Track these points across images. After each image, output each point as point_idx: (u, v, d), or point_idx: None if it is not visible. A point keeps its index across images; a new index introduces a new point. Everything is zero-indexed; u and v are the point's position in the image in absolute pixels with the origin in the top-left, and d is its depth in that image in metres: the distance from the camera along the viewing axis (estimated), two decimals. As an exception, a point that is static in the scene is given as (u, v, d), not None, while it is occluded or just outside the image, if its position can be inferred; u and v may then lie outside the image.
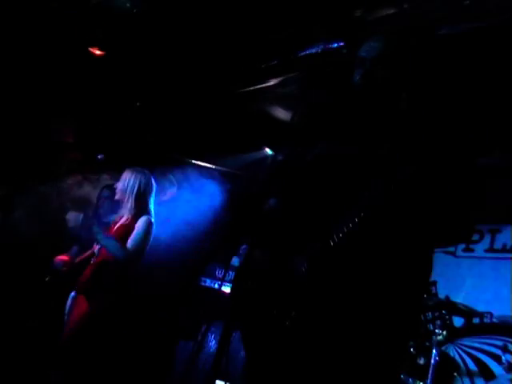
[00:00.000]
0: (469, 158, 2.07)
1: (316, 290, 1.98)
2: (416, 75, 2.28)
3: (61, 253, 4.70)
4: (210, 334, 5.60)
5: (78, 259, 4.60)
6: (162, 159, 6.07)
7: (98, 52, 5.14)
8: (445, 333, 4.13)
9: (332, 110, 2.01)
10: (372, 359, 1.90)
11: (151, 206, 4.43)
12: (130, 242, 4.14)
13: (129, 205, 4.35)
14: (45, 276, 4.75)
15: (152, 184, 4.51)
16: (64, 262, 4.63)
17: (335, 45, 4.54)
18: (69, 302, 4.15)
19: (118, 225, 4.35)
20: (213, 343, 5.62)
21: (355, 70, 2.24)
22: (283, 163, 1.86)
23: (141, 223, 4.26)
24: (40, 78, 5.18)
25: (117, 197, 4.38)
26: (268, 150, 6.70)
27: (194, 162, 6.67)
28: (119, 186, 4.37)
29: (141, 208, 4.36)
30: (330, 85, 2.10)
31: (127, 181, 4.37)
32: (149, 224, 4.28)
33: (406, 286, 2.00)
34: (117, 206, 4.55)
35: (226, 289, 6.14)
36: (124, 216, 4.37)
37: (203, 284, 6.07)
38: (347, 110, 2.21)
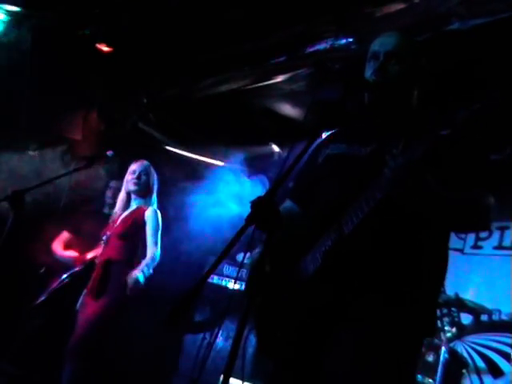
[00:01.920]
0: (482, 153, 2.06)
1: (327, 285, 1.96)
2: (428, 71, 2.26)
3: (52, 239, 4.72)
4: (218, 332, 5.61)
5: (89, 254, 4.61)
6: (169, 156, 6.08)
7: (105, 48, 5.13)
8: (454, 330, 4.12)
9: (343, 107, 1.99)
10: (387, 357, 1.89)
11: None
12: (152, 239, 4.23)
13: (149, 197, 4.43)
14: (40, 268, 4.74)
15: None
16: (76, 258, 4.64)
17: (344, 41, 4.51)
18: (80, 301, 4.17)
19: (123, 216, 4.39)
20: (220, 340, 5.62)
21: (367, 64, 2.23)
22: (295, 161, 1.85)
23: (153, 216, 4.34)
24: (47, 75, 5.17)
25: (136, 188, 4.41)
26: (275, 147, 6.69)
27: (201, 158, 6.68)
28: (142, 180, 4.42)
29: (153, 200, 4.46)
30: (340, 81, 2.07)
31: (150, 174, 4.48)
32: (159, 216, 4.37)
33: (422, 280, 1.99)
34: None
35: (232, 285, 6.15)
36: (132, 207, 4.44)
37: (210, 281, 6.07)
38: (359, 107, 2.20)
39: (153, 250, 4.18)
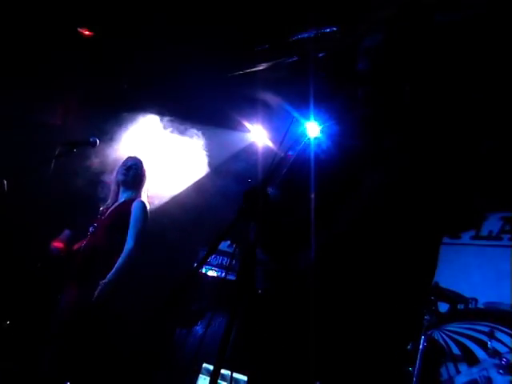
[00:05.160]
0: (472, 146, 2.08)
1: (321, 279, 1.97)
2: (418, 64, 2.27)
3: (53, 238, 4.70)
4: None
5: (75, 246, 4.57)
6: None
7: (86, 32, 5.06)
8: (433, 318, 4.17)
9: (337, 100, 2.00)
10: (376, 350, 1.91)
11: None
12: (132, 232, 4.21)
13: (137, 190, 4.49)
14: (36, 262, 4.73)
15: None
16: (60, 249, 4.60)
17: (328, 29, 4.51)
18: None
19: (111, 208, 4.38)
20: (199, 327, 5.64)
21: (359, 59, 2.23)
22: (287, 157, 1.85)
23: (138, 207, 4.34)
24: (29, 59, 5.09)
25: (124, 179, 4.47)
26: (256, 135, 6.68)
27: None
28: (131, 172, 4.49)
29: (141, 194, 4.50)
30: (329, 73, 2.08)
31: (140, 168, 4.56)
32: (146, 208, 4.39)
33: (412, 278, 2.01)
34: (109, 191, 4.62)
35: (212, 273, 6.17)
36: (120, 199, 4.46)
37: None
38: (352, 100, 2.20)
39: (128, 246, 4.13)
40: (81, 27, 5.01)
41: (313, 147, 2.29)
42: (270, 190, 2.36)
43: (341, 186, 1.99)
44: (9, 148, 4.85)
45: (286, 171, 2.35)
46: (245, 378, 4.17)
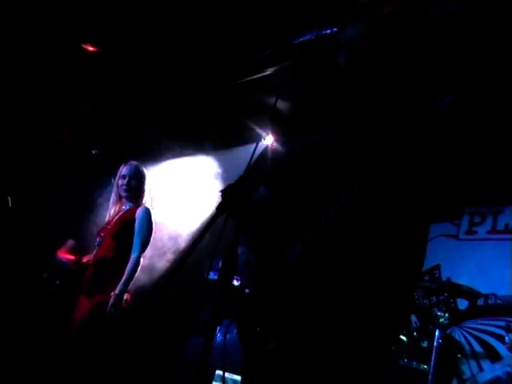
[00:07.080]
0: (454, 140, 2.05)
1: (307, 275, 1.96)
2: (395, 59, 2.24)
3: (57, 248, 4.73)
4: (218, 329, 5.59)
5: (85, 258, 4.57)
6: (158, 153, 6.07)
7: (91, 48, 5.10)
8: (447, 315, 4.12)
9: (319, 97, 2.00)
10: (363, 346, 1.89)
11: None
12: (137, 240, 4.20)
13: (141, 198, 4.44)
14: (53, 279, 4.75)
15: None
16: (72, 261, 4.62)
17: (329, 31, 4.50)
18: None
19: (116, 217, 4.40)
20: (218, 335, 5.61)
21: (339, 52, 2.22)
22: (272, 153, 1.86)
23: (143, 214, 4.32)
24: (36, 76, 5.15)
25: (127, 194, 4.44)
26: (264, 141, 6.68)
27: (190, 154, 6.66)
28: (132, 183, 4.43)
29: (145, 199, 4.47)
30: (319, 72, 2.08)
31: (142, 176, 4.50)
32: (151, 214, 4.36)
33: (398, 272, 1.99)
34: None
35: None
36: (124, 208, 4.46)
37: (211, 277, 6.06)
38: (334, 96, 2.19)
39: (134, 255, 4.14)
40: (85, 43, 5.05)
41: (298, 143, 2.28)
42: (262, 190, 2.36)
43: (324, 181, 1.97)
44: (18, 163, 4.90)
45: (276, 168, 2.34)
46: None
